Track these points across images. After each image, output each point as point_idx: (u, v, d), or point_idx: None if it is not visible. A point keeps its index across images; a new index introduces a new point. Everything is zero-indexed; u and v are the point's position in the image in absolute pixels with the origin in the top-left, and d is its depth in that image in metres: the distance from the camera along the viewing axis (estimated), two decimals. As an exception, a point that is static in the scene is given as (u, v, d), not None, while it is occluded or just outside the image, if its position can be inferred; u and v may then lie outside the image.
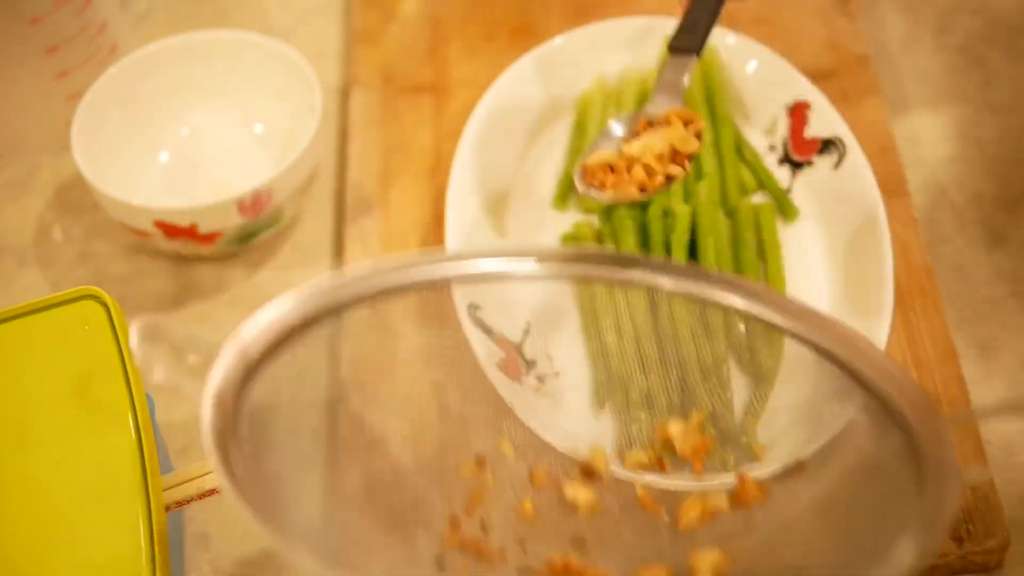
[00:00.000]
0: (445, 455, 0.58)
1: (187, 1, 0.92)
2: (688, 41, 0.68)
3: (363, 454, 0.56)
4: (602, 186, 0.69)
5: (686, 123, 0.70)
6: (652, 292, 0.55)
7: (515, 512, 0.59)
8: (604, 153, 0.70)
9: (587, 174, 0.69)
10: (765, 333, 0.56)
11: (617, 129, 0.71)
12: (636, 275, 0.55)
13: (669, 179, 0.69)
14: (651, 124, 0.70)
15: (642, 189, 0.69)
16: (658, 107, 0.70)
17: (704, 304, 0.54)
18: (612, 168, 0.70)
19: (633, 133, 0.70)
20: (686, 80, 0.70)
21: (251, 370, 0.50)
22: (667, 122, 0.70)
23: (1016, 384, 0.70)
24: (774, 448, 0.60)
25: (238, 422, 0.48)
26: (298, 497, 0.51)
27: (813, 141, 0.74)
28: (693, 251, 0.71)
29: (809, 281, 0.71)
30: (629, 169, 0.69)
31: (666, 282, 0.54)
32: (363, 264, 0.54)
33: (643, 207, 0.75)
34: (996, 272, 0.75)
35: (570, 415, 0.68)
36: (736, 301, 0.54)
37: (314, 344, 0.52)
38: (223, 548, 0.67)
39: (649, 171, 0.68)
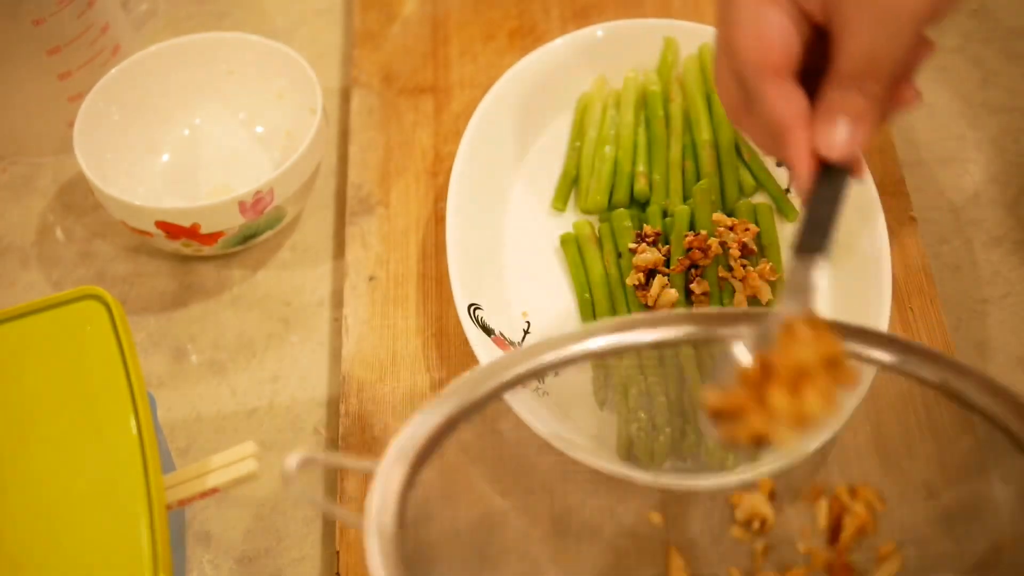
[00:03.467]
0: None
1: (189, 3, 0.92)
2: (812, 241, 0.57)
3: None
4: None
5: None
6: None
7: None
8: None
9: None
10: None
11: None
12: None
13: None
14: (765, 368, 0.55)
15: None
16: (786, 310, 0.56)
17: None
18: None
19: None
20: (814, 280, 0.57)
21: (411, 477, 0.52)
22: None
23: (1014, 384, 0.70)
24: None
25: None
26: None
27: (811, 141, 0.74)
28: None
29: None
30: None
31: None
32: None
33: (642, 207, 0.75)
34: (994, 272, 0.75)
35: (570, 414, 0.68)
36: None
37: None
38: (224, 547, 0.68)
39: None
